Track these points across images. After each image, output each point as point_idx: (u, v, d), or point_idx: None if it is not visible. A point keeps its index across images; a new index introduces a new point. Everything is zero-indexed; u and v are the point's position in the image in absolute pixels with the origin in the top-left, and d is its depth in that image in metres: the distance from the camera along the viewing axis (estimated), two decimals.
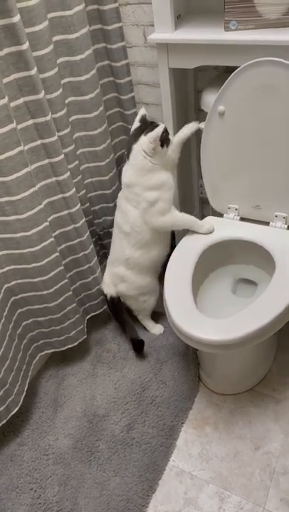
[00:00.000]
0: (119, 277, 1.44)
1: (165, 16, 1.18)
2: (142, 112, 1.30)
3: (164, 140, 1.24)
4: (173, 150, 1.34)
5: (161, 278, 1.47)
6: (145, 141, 1.22)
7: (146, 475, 1.23)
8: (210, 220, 1.35)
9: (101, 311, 1.57)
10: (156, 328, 1.58)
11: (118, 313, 1.51)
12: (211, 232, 1.32)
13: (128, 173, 1.30)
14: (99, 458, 1.28)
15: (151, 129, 1.22)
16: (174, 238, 1.68)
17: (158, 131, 1.20)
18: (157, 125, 1.24)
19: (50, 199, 1.27)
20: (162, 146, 1.23)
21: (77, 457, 1.30)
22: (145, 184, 1.27)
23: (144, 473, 1.23)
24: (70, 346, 1.47)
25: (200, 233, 1.32)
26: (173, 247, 1.32)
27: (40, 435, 1.36)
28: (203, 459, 1.25)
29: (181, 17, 1.27)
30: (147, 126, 1.26)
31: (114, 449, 1.29)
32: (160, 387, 1.42)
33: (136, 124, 1.29)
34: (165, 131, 1.23)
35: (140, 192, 1.28)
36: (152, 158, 1.24)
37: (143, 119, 1.29)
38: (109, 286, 1.48)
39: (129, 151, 1.27)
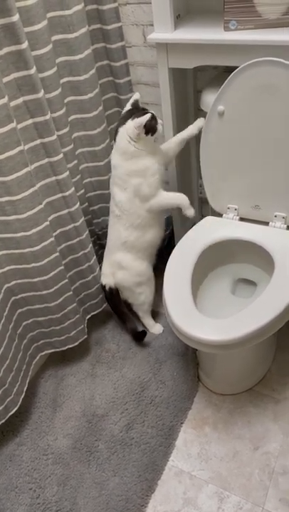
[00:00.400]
0: (117, 264, 1.45)
1: (164, 16, 1.18)
2: (135, 96, 1.31)
3: (151, 128, 1.23)
4: (171, 147, 1.35)
5: (156, 270, 1.48)
6: (130, 125, 1.23)
7: (145, 475, 1.23)
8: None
9: (101, 310, 1.57)
10: (155, 328, 1.58)
11: (116, 305, 1.52)
12: (192, 216, 1.35)
13: (114, 155, 1.31)
14: (98, 458, 1.28)
15: (140, 116, 1.22)
16: (172, 238, 1.68)
17: (143, 118, 1.20)
18: (147, 112, 1.24)
19: (49, 198, 1.27)
20: (147, 133, 1.23)
21: (77, 457, 1.29)
22: (128, 168, 1.28)
23: (144, 473, 1.23)
24: (70, 346, 1.47)
25: (185, 214, 1.35)
26: (172, 246, 1.32)
27: (40, 435, 1.36)
28: (202, 459, 1.25)
29: (181, 17, 1.27)
30: (138, 111, 1.26)
31: (114, 449, 1.29)
32: (159, 387, 1.41)
33: (127, 107, 1.30)
34: (153, 119, 1.24)
35: (125, 176, 1.29)
36: (136, 143, 1.25)
37: (135, 104, 1.30)
38: (108, 277, 1.49)
39: (116, 133, 1.28)
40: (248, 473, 1.20)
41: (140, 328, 1.54)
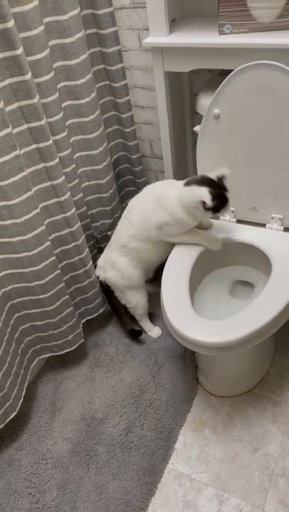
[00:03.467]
0: (111, 262, 1.45)
1: (160, 20, 1.19)
2: (224, 172, 1.19)
3: (215, 209, 1.17)
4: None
5: (155, 282, 1.48)
6: (203, 195, 1.14)
7: (145, 478, 1.22)
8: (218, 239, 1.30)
9: (96, 315, 1.57)
10: (154, 331, 1.58)
11: (110, 297, 1.53)
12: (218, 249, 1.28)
13: (167, 188, 1.27)
14: (97, 462, 1.28)
15: (217, 193, 1.15)
16: None
17: (209, 201, 1.13)
18: (224, 195, 1.17)
19: (44, 203, 1.27)
20: (209, 210, 1.17)
21: (76, 461, 1.29)
22: (172, 213, 1.24)
23: (143, 476, 1.23)
24: (67, 350, 1.47)
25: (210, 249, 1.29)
26: None
27: (39, 439, 1.36)
28: (201, 462, 1.25)
29: (176, 21, 1.28)
30: (218, 187, 1.18)
31: (113, 452, 1.29)
32: (158, 389, 1.41)
33: (212, 175, 1.20)
34: (224, 204, 1.17)
35: (164, 208, 1.26)
36: (194, 211, 1.21)
37: (220, 179, 1.19)
38: (101, 270, 1.50)
39: (190, 181, 1.21)
40: (248, 475, 1.20)
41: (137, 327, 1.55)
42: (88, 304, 1.53)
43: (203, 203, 1.15)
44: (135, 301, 1.50)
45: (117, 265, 1.43)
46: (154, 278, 1.53)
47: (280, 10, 1.09)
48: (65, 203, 1.28)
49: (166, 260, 1.30)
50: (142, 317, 1.56)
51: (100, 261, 1.51)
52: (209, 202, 1.14)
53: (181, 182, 1.24)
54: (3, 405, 1.26)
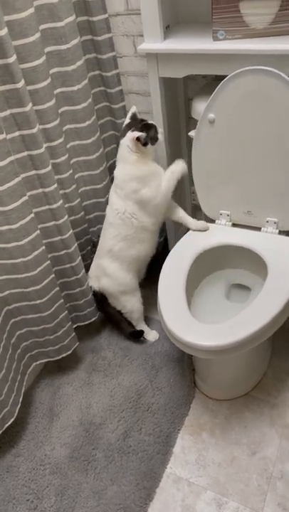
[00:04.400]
0: (102, 270, 1.46)
1: (154, 27, 1.20)
2: (132, 109, 1.36)
3: (150, 139, 1.29)
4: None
5: (150, 277, 1.49)
6: (129, 137, 1.28)
7: (143, 483, 1.22)
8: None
9: (88, 323, 1.56)
10: (151, 335, 1.58)
11: (103, 307, 1.54)
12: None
13: (117, 167, 1.35)
14: (96, 467, 1.28)
15: (138, 128, 1.28)
16: (166, 244, 1.69)
17: (135, 134, 1.25)
18: (146, 123, 1.30)
19: (36, 209, 1.26)
20: (145, 145, 1.28)
21: (74, 467, 1.29)
22: (128, 173, 1.32)
23: (142, 481, 1.23)
24: (64, 355, 1.46)
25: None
26: (166, 252, 1.33)
27: (36, 445, 1.35)
28: (200, 466, 1.25)
29: (170, 27, 1.29)
30: (137, 123, 1.32)
31: (111, 457, 1.29)
32: (156, 393, 1.41)
33: (126, 120, 1.35)
34: (150, 131, 1.29)
35: (123, 183, 1.33)
36: (137, 153, 1.29)
37: (133, 117, 1.35)
38: (93, 280, 1.50)
39: (118, 145, 1.34)
40: (246, 478, 1.20)
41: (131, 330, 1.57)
42: (79, 311, 1.52)
43: (137, 138, 1.25)
44: (130, 305, 1.50)
45: (109, 271, 1.44)
46: (146, 277, 1.53)
47: (272, 16, 1.10)
48: (57, 210, 1.28)
49: (155, 258, 1.34)
50: (138, 321, 1.56)
51: (91, 271, 1.51)
52: (136, 135, 1.25)
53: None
54: (1, 412, 1.26)
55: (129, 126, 1.32)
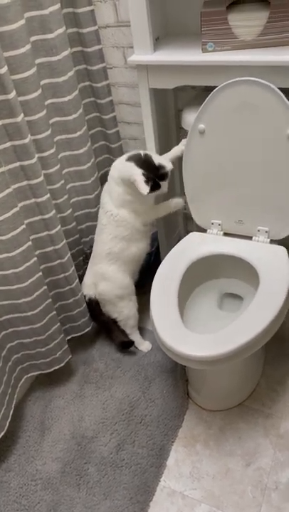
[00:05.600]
0: (100, 275, 1.45)
1: (144, 39, 1.21)
2: (155, 157, 1.30)
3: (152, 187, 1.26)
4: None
5: (143, 286, 1.49)
6: (143, 187, 1.22)
7: (137, 497, 1.20)
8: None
9: (82, 333, 1.55)
10: (144, 345, 1.57)
11: (97, 315, 1.53)
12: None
13: (114, 170, 1.35)
14: (88, 481, 1.25)
15: (158, 176, 1.26)
16: (158, 254, 1.69)
17: (144, 188, 1.22)
18: (164, 172, 1.28)
19: (28, 220, 1.26)
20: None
21: (66, 481, 1.26)
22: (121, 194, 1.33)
23: (135, 495, 1.21)
24: (56, 368, 1.45)
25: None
26: (158, 262, 1.32)
27: (28, 460, 1.33)
28: (194, 478, 1.23)
29: (160, 39, 1.30)
30: (154, 168, 1.27)
31: (104, 471, 1.27)
32: (149, 405, 1.40)
33: (138, 153, 1.30)
34: (164, 184, 1.30)
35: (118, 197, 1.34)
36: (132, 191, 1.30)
37: (149, 159, 1.28)
38: (89, 288, 1.49)
39: (133, 157, 1.29)
40: (241, 490, 1.19)
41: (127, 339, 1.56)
42: (73, 322, 1.51)
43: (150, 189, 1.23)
44: (127, 311, 1.49)
45: (108, 275, 1.43)
46: (139, 287, 1.52)
47: (261, 28, 1.12)
48: (50, 220, 1.27)
49: (148, 267, 1.35)
50: (132, 329, 1.55)
51: (87, 279, 1.50)
52: (144, 191, 1.22)
53: (124, 156, 1.32)
54: None
55: (140, 161, 1.27)
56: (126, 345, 1.56)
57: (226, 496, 1.18)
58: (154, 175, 1.26)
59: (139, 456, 1.28)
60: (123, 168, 1.30)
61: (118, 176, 1.32)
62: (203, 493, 1.20)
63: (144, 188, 1.22)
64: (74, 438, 1.36)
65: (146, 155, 1.29)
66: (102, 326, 1.57)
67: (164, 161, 1.30)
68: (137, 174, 1.23)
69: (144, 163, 1.27)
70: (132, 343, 1.55)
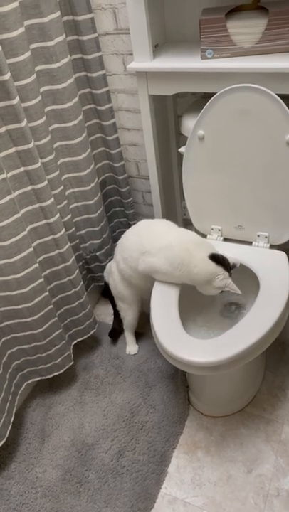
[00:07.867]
0: (110, 271, 1.51)
1: (143, 46, 1.22)
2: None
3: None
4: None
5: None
6: (227, 281, 1.18)
7: (138, 504, 1.19)
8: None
9: (87, 336, 1.55)
10: (129, 347, 1.59)
11: (111, 297, 1.58)
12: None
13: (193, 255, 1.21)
14: (89, 489, 1.24)
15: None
16: None
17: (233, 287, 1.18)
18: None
19: (34, 225, 1.27)
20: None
21: (66, 489, 1.25)
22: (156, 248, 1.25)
23: (136, 502, 1.20)
24: (56, 373, 1.44)
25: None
26: None
27: (28, 467, 1.32)
28: (195, 485, 1.22)
29: (159, 46, 1.31)
30: (227, 267, 1.20)
31: (105, 478, 1.26)
32: (150, 411, 1.39)
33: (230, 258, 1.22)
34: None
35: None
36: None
37: (226, 261, 1.21)
38: (106, 273, 1.58)
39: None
40: (243, 497, 1.18)
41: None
42: (79, 326, 1.51)
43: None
44: (123, 313, 1.54)
45: (114, 275, 1.47)
46: None
47: (259, 35, 1.13)
48: (55, 224, 1.28)
49: None
50: (126, 329, 1.59)
51: (108, 265, 1.58)
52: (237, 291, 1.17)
53: (200, 242, 1.22)
54: None
55: (226, 264, 1.19)
56: (112, 334, 1.63)
57: (228, 503, 1.17)
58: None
59: (140, 463, 1.28)
60: (207, 267, 1.18)
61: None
62: (205, 500, 1.19)
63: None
64: (74, 445, 1.35)
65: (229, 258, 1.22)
66: (113, 306, 1.62)
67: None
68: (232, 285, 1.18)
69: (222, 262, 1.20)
70: (118, 334, 1.62)
